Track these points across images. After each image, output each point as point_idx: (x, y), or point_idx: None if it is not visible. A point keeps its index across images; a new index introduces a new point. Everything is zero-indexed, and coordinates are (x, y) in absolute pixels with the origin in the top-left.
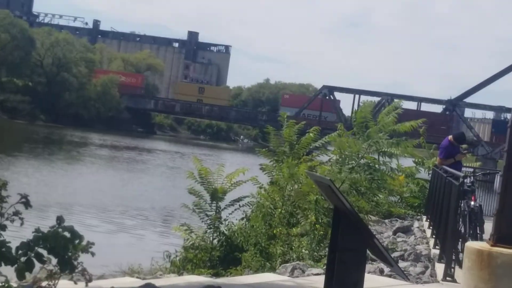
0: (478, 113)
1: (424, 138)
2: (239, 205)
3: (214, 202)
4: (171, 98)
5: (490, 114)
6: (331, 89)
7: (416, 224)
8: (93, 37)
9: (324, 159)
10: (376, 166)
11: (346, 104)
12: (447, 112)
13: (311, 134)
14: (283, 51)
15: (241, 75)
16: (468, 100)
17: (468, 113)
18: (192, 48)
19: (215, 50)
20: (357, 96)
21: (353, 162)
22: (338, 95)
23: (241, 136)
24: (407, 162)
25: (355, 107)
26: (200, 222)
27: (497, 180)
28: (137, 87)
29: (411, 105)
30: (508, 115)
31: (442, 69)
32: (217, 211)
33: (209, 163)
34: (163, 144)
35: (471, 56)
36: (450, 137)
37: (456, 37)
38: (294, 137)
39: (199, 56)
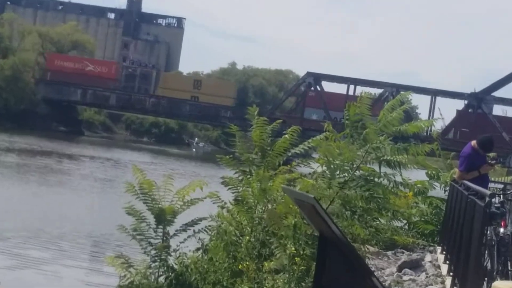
0: (510, 111)
1: (439, 143)
2: (194, 230)
3: (160, 226)
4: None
5: None
6: (317, 78)
7: (428, 257)
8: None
9: (307, 171)
10: (376, 179)
11: (337, 97)
12: (470, 110)
13: (287, 136)
14: (255, 26)
15: (198, 57)
16: (498, 93)
17: (498, 110)
18: (133, 20)
19: (163, 24)
20: (351, 86)
21: (346, 174)
22: (326, 86)
23: (196, 139)
24: (417, 175)
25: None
26: (142, 252)
27: None
28: (109, 79)
29: (424, 100)
30: None
31: (464, 53)
32: (165, 238)
33: (154, 174)
34: (93, 148)
35: (502, 38)
36: (473, 142)
37: (482, 13)
38: (267, 140)
39: (143, 31)
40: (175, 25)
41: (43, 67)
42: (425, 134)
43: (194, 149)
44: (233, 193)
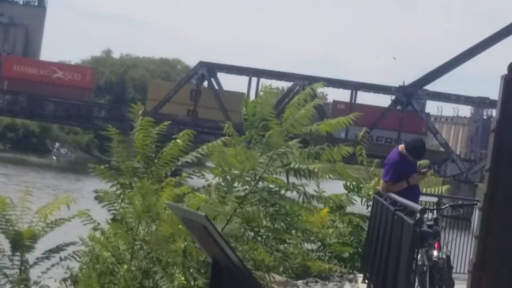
0: (447, 108)
1: (364, 146)
2: (60, 257)
3: (17, 253)
4: None
5: (465, 110)
6: (212, 68)
7: (347, 287)
8: None
9: (199, 183)
10: (283, 192)
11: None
12: (398, 107)
13: (179, 141)
14: (133, 6)
15: (64, 44)
16: (432, 87)
17: (432, 107)
18: None
19: (20, 2)
20: (254, 79)
21: (246, 186)
22: (223, 78)
23: (56, 144)
24: (333, 187)
25: (253, 96)
26: None
27: (475, 215)
28: (85, 88)
29: (343, 95)
30: (493, 112)
31: (392, 38)
32: (23, 268)
33: (8, 189)
34: None
35: (438, 19)
36: (401, 147)
37: None
38: (151, 146)
39: None
40: (35, 3)
41: None
42: (342, 137)
43: (54, 157)
44: (109, 210)
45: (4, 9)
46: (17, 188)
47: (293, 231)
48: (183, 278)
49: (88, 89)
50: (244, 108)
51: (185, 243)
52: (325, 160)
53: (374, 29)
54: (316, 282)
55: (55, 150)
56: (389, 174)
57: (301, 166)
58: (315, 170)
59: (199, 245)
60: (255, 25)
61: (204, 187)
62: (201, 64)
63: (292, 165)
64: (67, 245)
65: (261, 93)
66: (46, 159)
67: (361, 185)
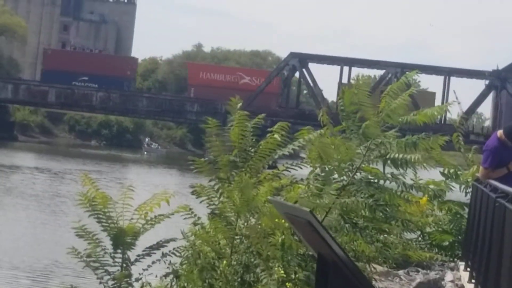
0: None
1: (461, 133)
2: (162, 253)
3: (118, 250)
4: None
5: None
6: (304, 59)
7: (449, 276)
8: None
9: (298, 174)
10: (381, 182)
11: (329, 82)
12: (493, 91)
13: (276, 136)
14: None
15: (155, 40)
16: None
17: None
18: None
19: (111, 0)
20: (346, 68)
21: (344, 177)
22: (315, 68)
23: (147, 139)
24: (431, 176)
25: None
26: (98, 283)
27: None
28: (272, 94)
29: (436, 81)
30: None
31: (484, 22)
32: (124, 265)
33: (105, 186)
34: (28, 156)
35: None
36: (499, 132)
37: None
38: (248, 139)
39: (85, 9)
40: (125, 0)
41: None
42: (438, 123)
43: (145, 152)
44: (207, 206)
45: (94, 7)
46: (107, 185)
47: (392, 222)
48: (282, 271)
49: (275, 94)
50: (340, 98)
51: (283, 236)
52: (423, 149)
53: (466, 11)
54: (417, 271)
55: (145, 145)
56: (489, 160)
57: (398, 155)
58: (414, 159)
59: (303, 240)
60: (344, 13)
61: (302, 179)
62: (292, 55)
63: (389, 155)
64: (168, 241)
65: (352, 81)
66: (138, 154)
67: (459, 172)
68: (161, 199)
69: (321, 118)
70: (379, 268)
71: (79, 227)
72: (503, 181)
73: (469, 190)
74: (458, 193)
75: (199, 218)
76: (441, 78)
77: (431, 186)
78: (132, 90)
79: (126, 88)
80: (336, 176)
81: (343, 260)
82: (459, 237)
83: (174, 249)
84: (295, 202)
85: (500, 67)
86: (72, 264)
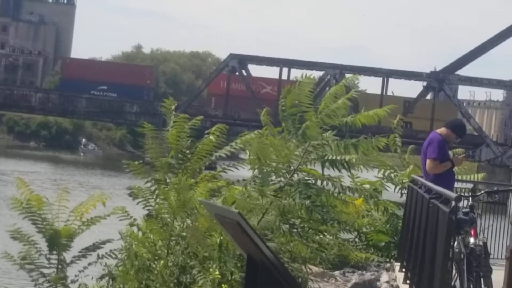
0: (480, 93)
1: (399, 134)
2: (98, 255)
3: (54, 252)
4: None
5: (498, 94)
6: (243, 60)
7: (384, 276)
8: None
9: (233, 176)
10: (319, 183)
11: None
12: (430, 92)
13: (211, 137)
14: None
15: (94, 41)
16: (463, 72)
17: (464, 93)
18: None
19: (50, 1)
20: (285, 69)
21: (282, 179)
22: (254, 70)
23: (83, 140)
24: (368, 176)
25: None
26: (33, 286)
27: (511, 200)
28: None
29: (374, 83)
30: None
31: (422, 24)
32: (60, 267)
33: (45, 187)
34: None
35: (470, 4)
36: (440, 130)
37: None
38: (186, 141)
39: (24, 10)
40: (65, 1)
41: None
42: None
43: (82, 153)
44: (144, 207)
45: (33, 7)
46: (43, 186)
47: (329, 222)
48: (217, 273)
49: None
50: (282, 98)
51: (221, 237)
52: (362, 152)
53: (403, 15)
54: (353, 272)
55: (82, 146)
56: (436, 151)
57: (336, 157)
58: (351, 161)
59: (233, 242)
60: (284, 15)
61: (239, 180)
62: (232, 56)
63: (328, 157)
64: (104, 242)
65: (297, 83)
66: (75, 155)
67: (393, 174)
68: (97, 200)
69: (262, 118)
70: (315, 269)
71: (14, 229)
72: (437, 181)
73: (405, 191)
74: (393, 194)
75: (135, 219)
76: (379, 80)
77: (367, 186)
78: (151, 99)
79: (145, 97)
80: (273, 177)
81: (272, 261)
82: (395, 238)
83: (110, 251)
84: (233, 203)
85: (438, 69)
86: (7, 266)
